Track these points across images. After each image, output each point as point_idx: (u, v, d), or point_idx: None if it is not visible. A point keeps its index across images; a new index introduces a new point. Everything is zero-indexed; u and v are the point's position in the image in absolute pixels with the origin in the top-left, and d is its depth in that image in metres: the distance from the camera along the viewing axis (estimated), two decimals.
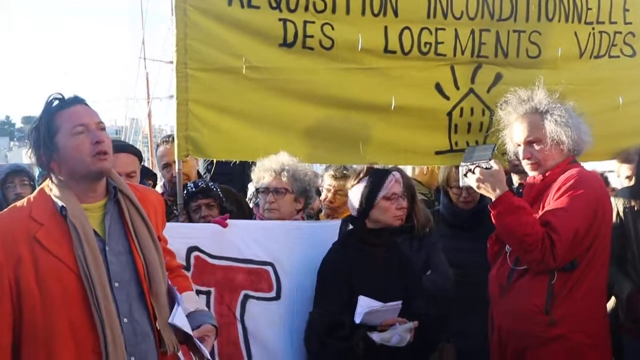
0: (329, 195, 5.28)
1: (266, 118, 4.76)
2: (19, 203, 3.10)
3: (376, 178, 4.21)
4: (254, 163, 4.79)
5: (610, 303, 4.46)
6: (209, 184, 5.01)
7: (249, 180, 5.14)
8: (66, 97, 3.10)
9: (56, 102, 3.07)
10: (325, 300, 4.06)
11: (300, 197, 4.59)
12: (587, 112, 4.62)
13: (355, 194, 4.23)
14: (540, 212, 3.89)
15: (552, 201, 3.88)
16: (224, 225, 4.29)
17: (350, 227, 4.27)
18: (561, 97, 4.26)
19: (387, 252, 4.23)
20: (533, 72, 4.83)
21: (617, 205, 4.36)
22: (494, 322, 4.08)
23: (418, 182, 6.10)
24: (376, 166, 4.31)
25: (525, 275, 3.91)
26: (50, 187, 3.04)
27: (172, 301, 3.20)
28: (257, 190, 4.62)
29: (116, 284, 2.99)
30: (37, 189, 3.13)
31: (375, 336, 3.92)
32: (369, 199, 4.17)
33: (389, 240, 4.25)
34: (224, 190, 5.18)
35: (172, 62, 4.66)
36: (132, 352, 2.97)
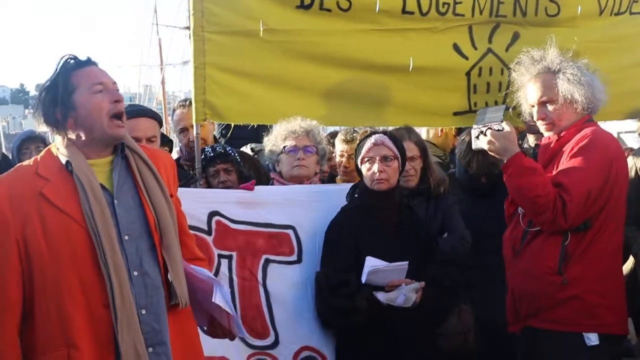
0: (344, 160, 5.33)
1: (284, 81, 4.80)
2: (25, 162, 3.15)
3: (360, 142, 4.31)
4: (270, 127, 4.77)
5: (629, 263, 4.44)
6: (227, 149, 5.05)
7: None
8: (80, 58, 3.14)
9: (72, 62, 3.11)
10: (331, 261, 4.14)
11: (320, 160, 4.69)
12: (607, 70, 4.62)
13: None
14: (555, 172, 3.90)
15: (565, 161, 3.89)
16: (251, 189, 4.35)
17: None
18: (580, 55, 4.25)
19: (399, 214, 4.28)
20: (551, 31, 4.81)
21: (637, 164, 4.37)
22: (508, 284, 4.13)
23: (433, 145, 6.15)
24: (380, 128, 4.44)
25: (538, 237, 3.94)
26: (57, 147, 3.09)
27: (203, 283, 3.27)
28: (275, 151, 4.67)
29: (126, 237, 3.02)
30: (45, 149, 3.17)
31: (381, 295, 3.99)
32: (357, 165, 4.31)
33: (400, 202, 4.29)
34: (240, 155, 5.23)
35: (186, 28, 4.67)
36: (143, 305, 3.01)
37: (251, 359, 4.20)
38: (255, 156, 6.17)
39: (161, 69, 36.23)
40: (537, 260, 3.90)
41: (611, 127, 10.04)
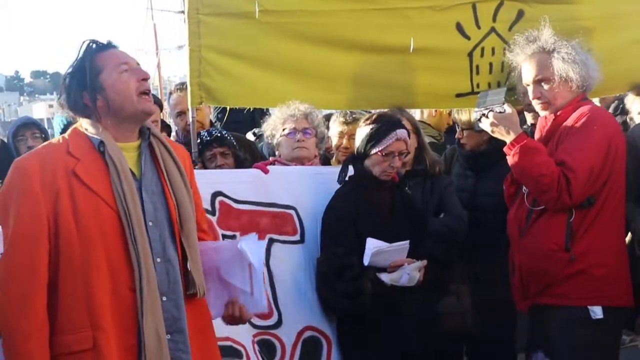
0: (344, 141, 5.29)
1: (281, 63, 4.77)
2: (54, 140, 3.16)
3: (378, 129, 4.27)
4: (267, 111, 4.71)
5: (627, 239, 4.51)
6: (223, 133, 5.06)
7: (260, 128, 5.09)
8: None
9: (94, 46, 3.14)
10: (332, 245, 4.15)
11: (319, 143, 4.71)
12: (609, 47, 4.70)
13: (359, 136, 4.34)
14: (554, 151, 3.96)
15: (564, 140, 3.98)
16: (266, 172, 4.36)
17: (350, 172, 4.34)
18: (582, 33, 4.28)
19: (390, 194, 4.32)
20: (555, 8, 4.79)
21: (635, 140, 4.44)
22: (515, 263, 4.19)
23: (427, 125, 6.17)
24: (388, 114, 4.41)
25: (543, 215, 4.00)
26: (85, 127, 3.10)
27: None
28: (274, 135, 4.67)
29: (150, 223, 3.05)
30: (70, 129, 3.17)
31: (384, 277, 4.03)
32: (365, 148, 4.27)
33: (391, 182, 4.34)
34: (236, 138, 5.23)
35: (180, 12, 4.58)
36: (164, 292, 3.03)
37: (255, 338, 4.21)
38: (257, 140, 6.15)
39: (157, 53, 36.31)
40: (544, 238, 3.97)
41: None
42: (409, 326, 4.09)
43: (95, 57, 3.10)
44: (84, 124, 3.11)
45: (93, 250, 2.92)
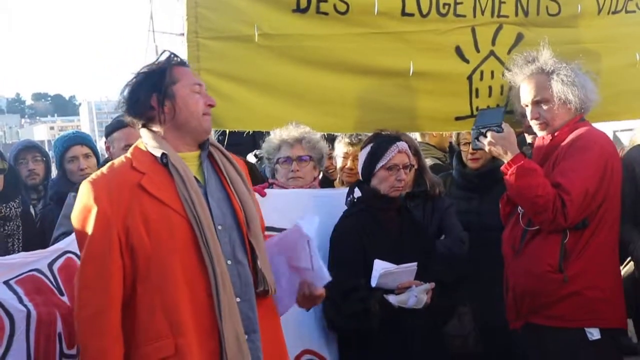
0: (348, 162, 5.31)
1: (280, 87, 4.80)
2: (116, 161, 3.25)
3: (378, 146, 4.31)
4: (267, 133, 4.71)
5: (630, 266, 4.56)
6: None
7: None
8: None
9: (175, 58, 3.29)
10: (340, 267, 4.11)
11: (317, 165, 4.71)
12: (606, 70, 4.81)
13: (361, 158, 4.37)
14: (551, 172, 4.02)
15: (561, 161, 4.03)
16: (263, 195, 4.35)
17: (357, 194, 4.35)
18: (582, 56, 4.33)
19: (398, 216, 4.34)
20: (554, 31, 4.87)
21: (633, 163, 4.45)
22: (509, 283, 4.23)
23: (431, 146, 6.20)
24: (384, 132, 4.39)
25: (538, 236, 4.06)
26: (145, 142, 3.21)
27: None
28: (272, 160, 4.68)
29: (219, 227, 3.14)
30: (132, 147, 3.28)
31: (392, 298, 4.03)
32: (369, 167, 4.29)
33: (400, 204, 4.37)
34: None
35: (181, 35, 4.60)
36: (238, 294, 3.11)
37: None
38: (259, 162, 6.15)
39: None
40: (538, 258, 4.02)
41: (608, 125, 10.02)
42: (414, 349, 4.08)
43: (174, 68, 3.24)
44: (144, 138, 3.22)
45: (167, 258, 3.02)
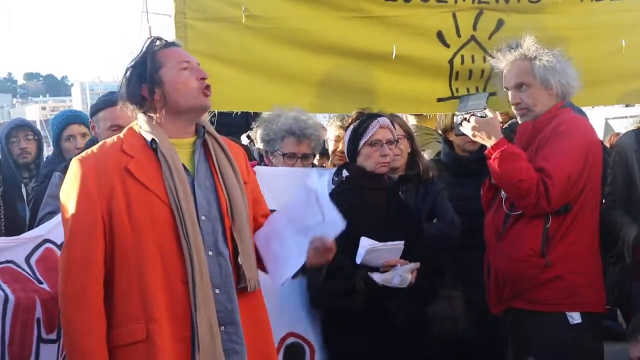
0: (340, 145, 5.28)
1: (267, 68, 4.80)
2: (108, 140, 3.22)
3: (360, 124, 4.30)
4: (256, 114, 4.78)
5: None
6: None
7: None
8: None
9: (157, 42, 3.26)
10: None
11: (314, 150, 4.74)
12: (590, 57, 4.79)
13: (345, 140, 4.37)
14: (533, 157, 4.02)
15: (544, 146, 4.02)
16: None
17: (345, 174, 4.34)
18: (563, 42, 4.37)
19: (386, 196, 4.33)
20: (534, 18, 4.90)
21: (625, 149, 4.46)
22: (491, 267, 4.23)
23: (434, 131, 6.13)
24: (366, 111, 4.38)
25: (520, 220, 4.05)
26: (140, 125, 3.18)
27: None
28: (271, 145, 4.66)
29: (203, 217, 3.11)
30: (126, 127, 3.26)
31: (377, 276, 4.00)
32: (353, 145, 4.28)
33: (387, 185, 4.37)
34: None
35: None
36: (217, 285, 3.09)
37: None
38: (251, 143, 6.21)
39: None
40: (520, 243, 4.02)
41: (600, 113, 10.14)
42: (396, 329, 4.07)
43: (158, 53, 3.20)
44: (139, 121, 3.19)
45: (146, 244, 3.01)
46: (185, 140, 3.22)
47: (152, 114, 3.17)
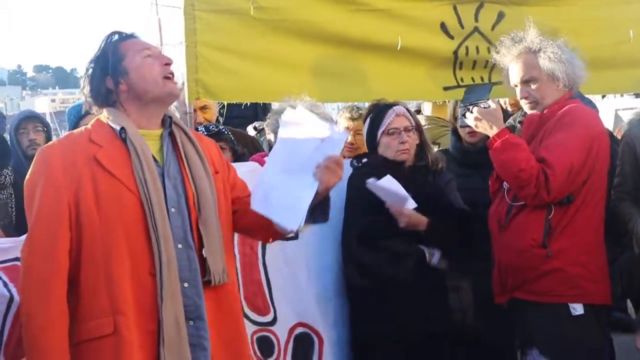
0: (349, 137, 5.33)
1: (276, 59, 4.85)
2: (76, 131, 3.18)
3: (376, 114, 4.38)
4: (265, 105, 4.82)
5: None
6: (220, 128, 5.13)
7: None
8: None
9: (116, 36, 3.21)
10: (365, 212, 4.24)
11: None
12: (596, 47, 4.82)
13: (364, 132, 4.45)
14: (538, 148, 4.02)
15: (547, 137, 4.03)
16: (263, 164, 4.30)
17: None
18: (563, 33, 4.35)
19: (406, 183, 4.35)
20: (534, 10, 4.92)
21: (634, 140, 4.46)
22: (494, 257, 4.25)
23: (440, 119, 6.18)
24: (381, 102, 4.45)
25: (522, 211, 4.05)
26: (107, 116, 3.13)
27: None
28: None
29: (172, 210, 3.05)
30: (93, 119, 3.20)
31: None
32: (371, 135, 4.36)
33: (407, 172, 4.43)
34: (237, 134, 5.30)
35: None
36: (185, 278, 3.03)
37: (255, 335, 4.29)
38: (258, 134, 6.25)
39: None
40: (522, 233, 4.02)
41: (610, 104, 10.14)
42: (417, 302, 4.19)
43: (119, 45, 3.14)
44: (107, 113, 3.13)
45: (114, 235, 2.93)
46: (153, 131, 3.16)
47: (118, 107, 3.13)
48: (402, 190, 4.15)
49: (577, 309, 3.97)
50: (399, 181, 4.24)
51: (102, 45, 3.18)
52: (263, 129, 5.51)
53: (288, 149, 3.25)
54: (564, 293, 3.98)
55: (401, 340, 4.19)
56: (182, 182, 3.12)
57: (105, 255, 2.94)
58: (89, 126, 3.14)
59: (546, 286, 3.98)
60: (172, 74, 3.18)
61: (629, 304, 5.80)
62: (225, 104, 5.10)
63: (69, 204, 2.94)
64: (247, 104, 5.12)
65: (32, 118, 6.29)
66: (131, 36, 3.23)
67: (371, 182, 4.12)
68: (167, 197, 3.05)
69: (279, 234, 3.33)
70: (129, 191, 2.97)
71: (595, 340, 4.12)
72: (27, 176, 3.05)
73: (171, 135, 3.19)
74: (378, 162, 4.36)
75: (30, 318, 2.91)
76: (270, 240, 3.58)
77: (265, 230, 3.32)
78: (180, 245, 3.04)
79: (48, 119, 6.48)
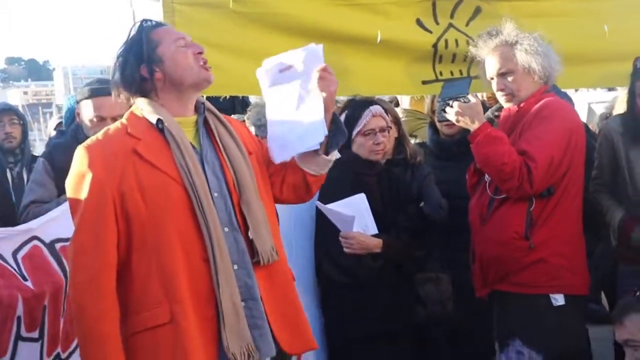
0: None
1: (255, 52, 4.72)
2: (111, 126, 3.18)
3: (352, 112, 4.38)
4: (244, 98, 4.82)
5: None
6: None
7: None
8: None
9: (149, 23, 3.22)
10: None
11: None
12: (572, 42, 4.82)
13: None
14: (517, 141, 4.06)
15: (526, 130, 4.07)
16: None
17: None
18: (541, 29, 4.36)
19: (378, 180, 4.43)
20: (512, 5, 4.97)
21: (612, 133, 4.52)
22: (475, 251, 4.28)
23: (418, 112, 6.18)
24: (357, 98, 4.45)
25: (504, 204, 4.09)
26: (141, 108, 3.13)
27: None
28: (262, 135, 4.65)
29: (215, 194, 3.07)
30: (127, 112, 3.21)
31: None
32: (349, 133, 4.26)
33: (380, 168, 4.45)
34: None
35: (158, 0, 4.72)
36: (235, 261, 3.05)
37: None
38: None
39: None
40: (504, 226, 4.06)
41: (582, 97, 10.24)
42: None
43: (151, 32, 3.14)
44: (140, 105, 3.13)
45: (163, 225, 2.95)
46: (189, 118, 3.19)
47: (152, 96, 3.14)
48: (348, 214, 4.14)
49: (558, 299, 4.02)
50: (371, 179, 4.30)
51: (135, 32, 3.19)
52: (243, 121, 5.52)
53: (278, 94, 3.32)
54: (545, 284, 4.03)
55: (370, 339, 4.23)
56: (221, 167, 3.15)
57: (156, 245, 2.97)
58: (124, 120, 3.15)
59: (528, 277, 4.03)
60: (206, 61, 3.21)
61: (603, 296, 5.91)
62: (204, 97, 5.06)
63: (114, 198, 2.96)
64: (225, 96, 5.10)
65: (7, 111, 6.25)
66: (163, 24, 3.29)
67: (319, 205, 4.13)
68: (209, 182, 3.08)
69: (317, 178, 3.36)
70: (172, 180, 3.00)
71: (577, 330, 4.19)
72: (69, 176, 3.07)
73: (205, 120, 3.22)
74: (352, 161, 4.35)
75: (83, 310, 2.94)
76: (314, 189, 3.50)
77: (304, 183, 3.35)
78: (226, 229, 3.07)
79: (22, 110, 6.42)
